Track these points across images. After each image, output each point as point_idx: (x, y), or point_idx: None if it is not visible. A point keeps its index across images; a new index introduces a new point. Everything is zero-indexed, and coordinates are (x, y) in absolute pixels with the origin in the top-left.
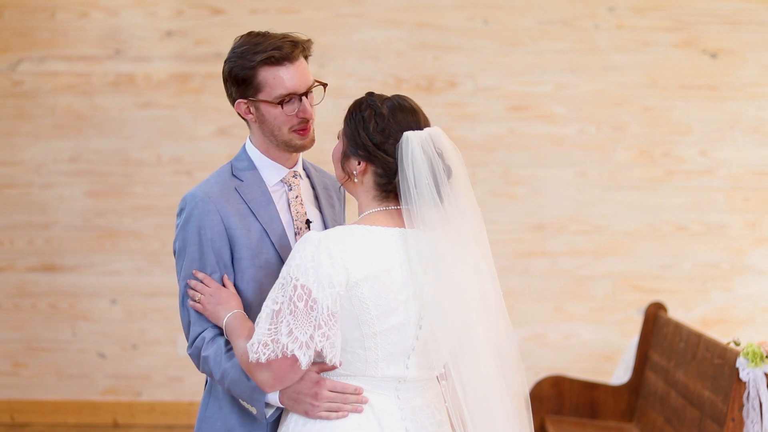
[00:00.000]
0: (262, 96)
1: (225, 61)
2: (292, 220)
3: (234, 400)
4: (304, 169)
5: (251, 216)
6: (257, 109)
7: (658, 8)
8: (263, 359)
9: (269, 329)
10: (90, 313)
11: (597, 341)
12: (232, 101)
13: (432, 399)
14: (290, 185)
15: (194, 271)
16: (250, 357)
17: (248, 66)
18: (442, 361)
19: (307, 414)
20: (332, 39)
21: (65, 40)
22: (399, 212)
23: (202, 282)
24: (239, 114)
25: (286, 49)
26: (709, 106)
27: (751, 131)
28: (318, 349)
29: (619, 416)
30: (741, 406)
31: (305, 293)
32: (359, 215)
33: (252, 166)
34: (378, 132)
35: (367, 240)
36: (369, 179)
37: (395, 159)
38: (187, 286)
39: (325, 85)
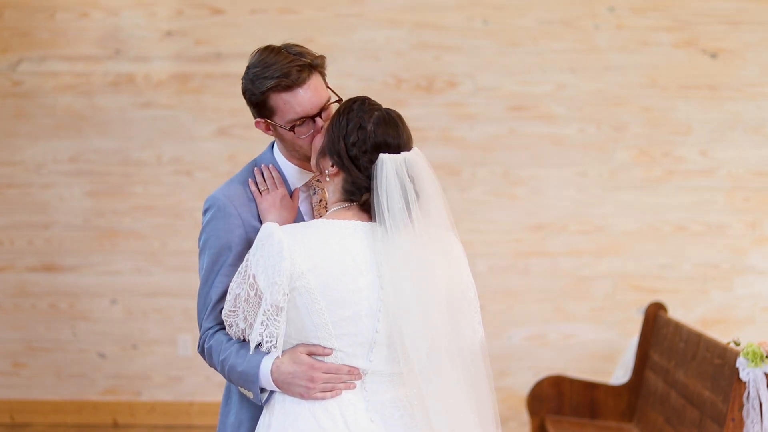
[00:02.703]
0: (276, 119)
1: (242, 78)
2: None
3: (245, 397)
4: None
5: None
6: (274, 128)
7: (658, 8)
8: (231, 334)
9: (231, 311)
10: (90, 313)
11: (597, 341)
12: (253, 117)
13: (404, 393)
14: (315, 189)
15: (264, 166)
16: (228, 331)
17: (258, 92)
18: (412, 357)
19: (302, 396)
20: (332, 39)
21: (65, 40)
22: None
23: (273, 180)
24: (261, 130)
25: (293, 75)
26: (709, 106)
27: (751, 131)
28: (257, 338)
29: (619, 416)
30: (741, 406)
31: (256, 283)
32: (327, 212)
33: (277, 167)
34: (356, 146)
35: (321, 232)
36: (338, 182)
37: (367, 176)
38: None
39: (340, 100)
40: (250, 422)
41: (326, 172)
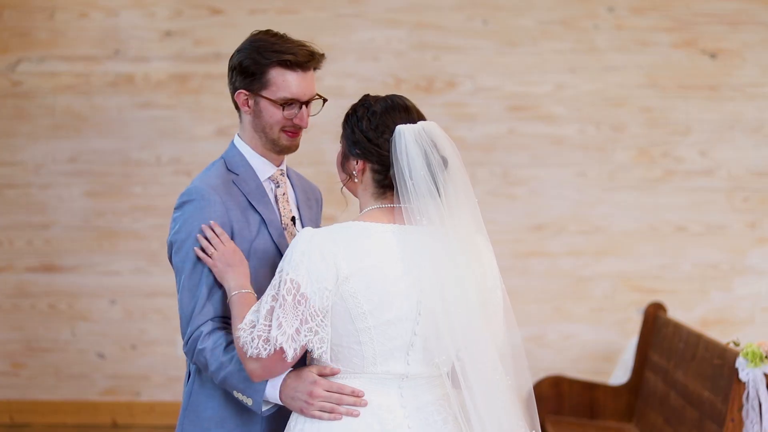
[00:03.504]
0: (266, 93)
1: (237, 51)
2: (280, 216)
3: (228, 392)
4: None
5: (250, 208)
6: (256, 103)
7: (657, 8)
8: (264, 354)
9: (268, 325)
10: (89, 313)
11: (597, 341)
12: (233, 90)
13: (439, 396)
14: (278, 183)
15: (211, 223)
16: (250, 352)
17: (261, 62)
18: (447, 357)
19: (302, 412)
20: (332, 39)
21: (65, 40)
22: (393, 209)
23: (218, 237)
24: (236, 104)
25: (301, 56)
26: (708, 106)
27: (751, 131)
28: (304, 343)
29: (618, 416)
30: (740, 407)
31: (294, 287)
32: (359, 214)
33: (244, 161)
34: (371, 128)
35: (360, 235)
36: (368, 177)
37: (389, 153)
38: (196, 237)
39: (325, 100)
40: (235, 417)
41: (354, 172)
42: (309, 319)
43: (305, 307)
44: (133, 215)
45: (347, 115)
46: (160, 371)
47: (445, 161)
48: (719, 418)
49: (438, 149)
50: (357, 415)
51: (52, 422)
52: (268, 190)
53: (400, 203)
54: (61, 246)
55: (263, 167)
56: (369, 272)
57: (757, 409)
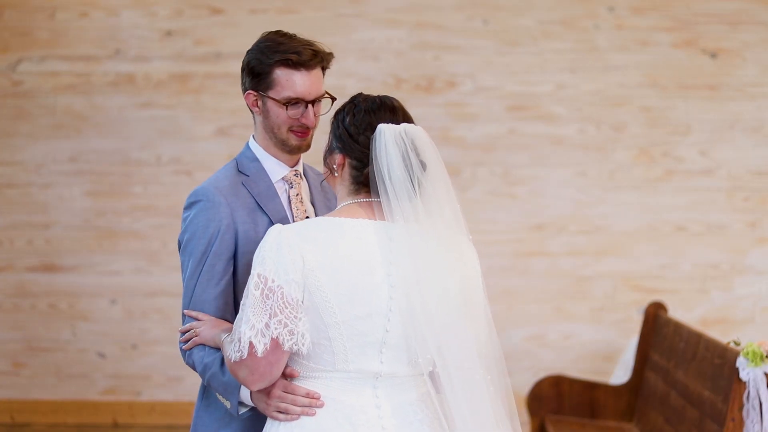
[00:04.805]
0: (271, 93)
1: (247, 52)
2: (293, 217)
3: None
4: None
5: (258, 210)
6: (264, 103)
7: (658, 8)
8: (245, 355)
9: (246, 327)
10: (90, 313)
11: (597, 341)
12: (244, 91)
13: (417, 396)
14: (291, 183)
15: (186, 312)
16: (233, 356)
17: (266, 62)
18: (427, 357)
19: (264, 412)
20: (332, 39)
21: (65, 40)
22: (371, 204)
23: (196, 319)
24: (247, 105)
25: (305, 55)
26: (708, 106)
27: (751, 131)
28: (274, 336)
29: (619, 416)
30: (741, 406)
31: (261, 281)
32: (334, 209)
33: (257, 162)
34: (354, 124)
35: (330, 230)
36: (346, 172)
37: (369, 150)
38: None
39: (333, 98)
40: (235, 423)
41: (334, 167)
42: (278, 311)
43: (273, 300)
44: (133, 215)
45: (336, 111)
46: (161, 371)
47: (423, 165)
48: (720, 418)
49: (418, 153)
50: (313, 415)
51: (53, 422)
52: (281, 191)
53: (377, 198)
54: (61, 246)
55: (276, 168)
56: (337, 265)
57: (758, 408)
